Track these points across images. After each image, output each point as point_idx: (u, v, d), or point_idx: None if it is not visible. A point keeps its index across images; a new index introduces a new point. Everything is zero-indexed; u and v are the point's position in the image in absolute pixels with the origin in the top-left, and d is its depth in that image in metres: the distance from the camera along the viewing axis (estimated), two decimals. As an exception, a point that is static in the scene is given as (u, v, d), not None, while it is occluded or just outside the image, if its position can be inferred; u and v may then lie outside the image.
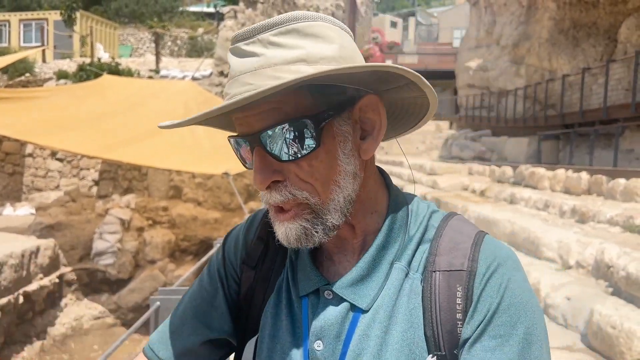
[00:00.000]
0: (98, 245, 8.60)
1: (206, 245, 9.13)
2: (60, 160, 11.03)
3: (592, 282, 4.24)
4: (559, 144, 12.31)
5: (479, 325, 0.69)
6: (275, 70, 0.68)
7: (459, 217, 0.80)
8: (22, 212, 10.06)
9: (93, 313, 8.28)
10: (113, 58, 14.55)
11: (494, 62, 16.68)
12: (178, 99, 7.43)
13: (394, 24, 41.86)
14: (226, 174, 6.35)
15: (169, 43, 21.22)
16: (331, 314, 0.76)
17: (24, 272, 7.05)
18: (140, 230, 9.04)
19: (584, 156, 10.43)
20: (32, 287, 7.21)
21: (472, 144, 16.36)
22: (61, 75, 12.68)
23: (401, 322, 0.73)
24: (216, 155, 6.05)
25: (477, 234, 0.76)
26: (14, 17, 20.72)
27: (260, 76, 0.68)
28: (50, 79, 12.82)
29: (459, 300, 0.71)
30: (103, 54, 15.45)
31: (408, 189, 10.95)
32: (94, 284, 8.53)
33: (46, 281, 7.59)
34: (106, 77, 9.37)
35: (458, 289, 0.71)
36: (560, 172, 8.03)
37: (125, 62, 14.60)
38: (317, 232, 0.73)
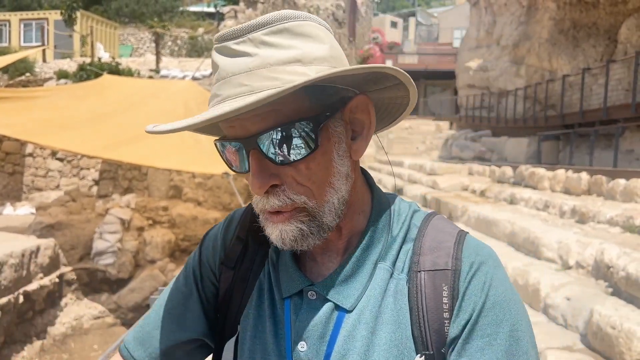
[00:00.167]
0: (98, 245, 8.60)
1: (206, 245, 9.10)
2: (61, 159, 11.03)
3: (592, 282, 4.24)
4: (559, 144, 12.31)
5: (465, 325, 0.70)
6: (271, 70, 0.67)
7: (440, 216, 0.81)
8: (22, 211, 10.06)
9: (93, 313, 8.28)
10: (113, 58, 14.55)
11: (494, 63, 16.68)
12: (178, 98, 7.43)
13: (394, 24, 41.85)
14: (226, 174, 6.36)
15: (169, 43, 21.22)
16: (315, 315, 0.76)
17: (24, 272, 7.05)
18: (141, 230, 9.04)
19: (584, 156, 10.43)
20: (32, 286, 7.21)
21: (472, 144, 16.36)
22: (61, 75, 12.68)
23: (388, 323, 0.73)
24: (216, 155, 6.02)
25: (459, 233, 0.77)
26: (14, 17, 20.72)
27: (256, 77, 0.67)
28: (50, 78, 12.82)
29: (445, 300, 0.72)
30: (103, 54, 15.45)
31: (408, 188, 10.87)
32: (94, 284, 8.53)
33: (46, 281, 7.59)
34: (106, 77, 9.38)
35: (444, 288, 0.72)
36: (560, 172, 8.03)
37: (125, 62, 14.60)
38: (312, 233, 0.73)
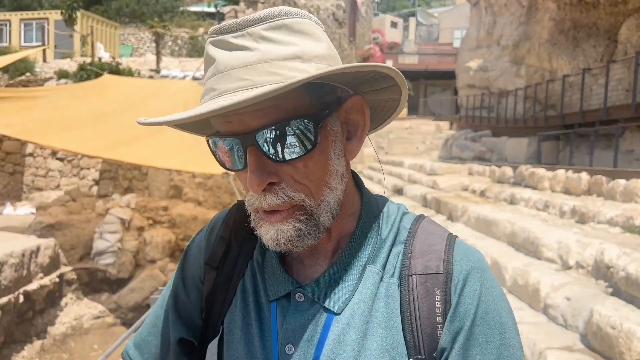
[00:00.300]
0: (98, 244, 8.60)
1: (206, 245, 9.10)
2: (61, 159, 11.03)
3: (591, 282, 4.24)
4: (559, 144, 12.30)
5: (458, 332, 0.71)
6: (272, 66, 0.66)
7: (429, 219, 0.81)
8: (22, 211, 10.06)
9: (93, 312, 8.28)
10: (114, 58, 14.55)
11: (494, 63, 16.68)
12: (178, 98, 7.43)
13: (394, 24, 41.84)
14: (226, 173, 6.35)
15: (170, 43, 21.22)
16: (303, 317, 0.75)
17: (24, 272, 7.05)
18: (141, 229, 9.04)
19: (584, 157, 10.43)
20: (33, 286, 7.21)
21: (472, 144, 16.36)
22: (62, 74, 12.68)
23: (379, 328, 0.72)
24: (216, 155, 6.04)
25: (449, 236, 0.77)
26: (15, 17, 20.72)
27: (257, 71, 0.66)
28: (50, 78, 12.82)
29: (438, 304, 0.72)
30: (104, 54, 15.45)
31: (408, 188, 10.84)
32: (94, 284, 8.53)
33: (46, 280, 7.59)
34: (107, 77, 9.38)
35: (436, 292, 0.72)
36: (560, 172, 8.03)
37: (125, 62, 14.60)
38: (309, 233, 0.72)
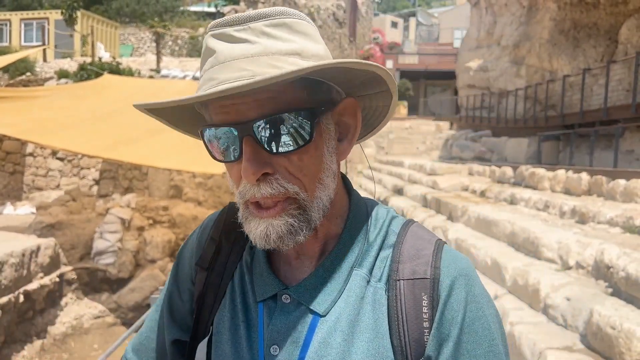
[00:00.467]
0: (98, 244, 8.60)
1: (206, 244, 9.11)
2: (61, 159, 11.04)
3: (591, 282, 4.24)
4: (559, 144, 12.30)
5: (445, 339, 0.71)
6: (273, 59, 0.67)
7: (418, 224, 0.81)
8: (22, 211, 10.06)
9: (93, 312, 8.28)
10: (114, 57, 14.55)
11: (494, 63, 16.68)
12: (179, 98, 7.42)
13: (394, 24, 41.83)
14: (226, 173, 6.34)
15: (170, 43, 21.22)
16: (288, 319, 0.75)
17: (25, 271, 7.05)
18: (141, 229, 9.04)
19: (584, 157, 10.43)
20: (33, 286, 7.21)
21: (473, 144, 16.36)
22: (62, 74, 12.69)
23: (366, 332, 0.72)
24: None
25: (437, 242, 0.77)
26: (15, 17, 20.72)
27: (258, 63, 0.67)
28: (51, 78, 12.83)
29: (425, 309, 0.72)
30: (104, 54, 15.45)
31: (408, 188, 10.81)
32: (94, 283, 8.53)
33: (46, 280, 7.59)
34: (107, 77, 9.38)
35: (424, 297, 0.72)
36: (561, 172, 8.02)
37: (126, 62, 14.60)
38: (301, 229, 0.71)
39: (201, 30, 21.29)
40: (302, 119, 0.69)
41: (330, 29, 24.43)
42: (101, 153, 6.78)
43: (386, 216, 0.81)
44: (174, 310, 0.88)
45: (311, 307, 0.74)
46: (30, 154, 11.20)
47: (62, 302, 8.03)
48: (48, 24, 20.10)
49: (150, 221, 9.30)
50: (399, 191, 11.96)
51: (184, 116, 0.80)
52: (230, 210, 0.87)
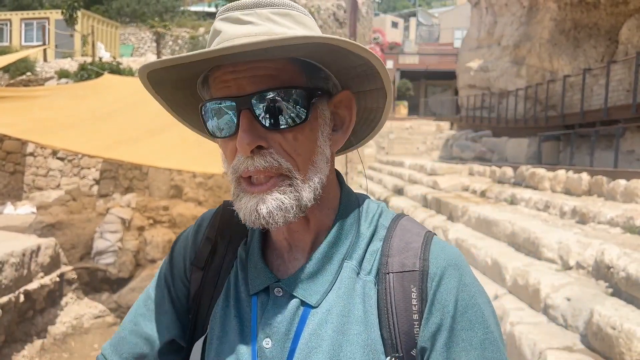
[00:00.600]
0: (99, 244, 8.60)
1: (206, 244, 9.11)
2: (61, 159, 11.04)
3: (592, 282, 4.24)
4: (560, 144, 12.30)
5: (437, 331, 0.71)
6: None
7: (408, 217, 0.82)
8: (22, 211, 10.06)
9: (93, 312, 8.28)
10: (114, 57, 14.55)
11: (494, 63, 16.67)
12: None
13: (395, 24, 41.82)
14: (227, 173, 6.34)
15: (170, 42, 21.22)
16: (280, 311, 0.75)
17: (25, 271, 7.06)
18: (141, 229, 9.04)
19: (585, 157, 10.42)
20: (33, 285, 7.21)
21: (473, 144, 16.35)
22: (62, 74, 12.69)
23: (356, 324, 0.73)
24: (217, 154, 6.04)
25: (426, 234, 0.77)
26: (15, 16, 20.72)
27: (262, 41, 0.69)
28: (51, 78, 12.83)
29: (414, 302, 0.72)
30: (104, 54, 15.45)
31: (408, 189, 10.81)
32: (95, 283, 8.53)
33: (47, 280, 7.59)
34: (107, 77, 9.38)
35: (413, 289, 0.72)
36: (561, 172, 8.02)
37: (126, 62, 14.59)
38: (292, 207, 0.72)
39: (201, 30, 21.29)
40: (299, 98, 0.71)
41: (330, 29, 24.43)
42: (101, 153, 6.78)
43: (377, 210, 0.82)
44: (164, 311, 0.87)
45: (302, 299, 0.75)
46: (31, 154, 11.21)
47: (63, 302, 8.03)
48: (48, 24, 20.10)
49: (151, 221, 9.31)
50: (399, 191, 11.96)
51: (180, 99, 0.82)
52: (225, 209, 0.88)
